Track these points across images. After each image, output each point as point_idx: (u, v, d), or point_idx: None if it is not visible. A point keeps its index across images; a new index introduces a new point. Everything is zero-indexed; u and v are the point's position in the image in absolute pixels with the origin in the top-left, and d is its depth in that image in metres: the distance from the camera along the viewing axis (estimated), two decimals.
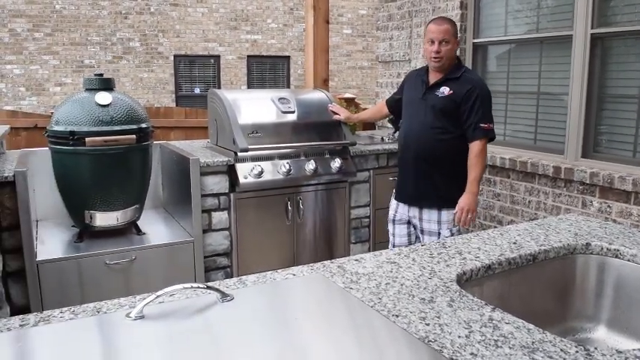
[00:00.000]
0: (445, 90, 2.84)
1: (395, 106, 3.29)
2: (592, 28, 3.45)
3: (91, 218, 2.93)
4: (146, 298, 1.05)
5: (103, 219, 2.95)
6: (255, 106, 3.55)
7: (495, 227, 3.25)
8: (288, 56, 12.54)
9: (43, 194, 3.25)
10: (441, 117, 2.84)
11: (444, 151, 2.86)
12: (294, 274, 1.38)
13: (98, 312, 1.16)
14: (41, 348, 0.95)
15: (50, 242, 3.05)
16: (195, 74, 12.12)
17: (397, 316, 1.16)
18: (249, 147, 3.29)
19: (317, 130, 3.61)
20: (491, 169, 4.18)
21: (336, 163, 3.58)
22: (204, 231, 3.24)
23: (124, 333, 0.98)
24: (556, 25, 3.79)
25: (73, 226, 3.15)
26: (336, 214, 3.71)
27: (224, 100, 3.44)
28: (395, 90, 3.54)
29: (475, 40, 4.41)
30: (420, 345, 1.02)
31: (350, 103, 4.98)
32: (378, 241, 3.96)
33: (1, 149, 3.34)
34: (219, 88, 11.68)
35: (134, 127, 2.89)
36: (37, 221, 3.24)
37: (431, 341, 1.05)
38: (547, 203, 3.74)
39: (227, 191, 3.35)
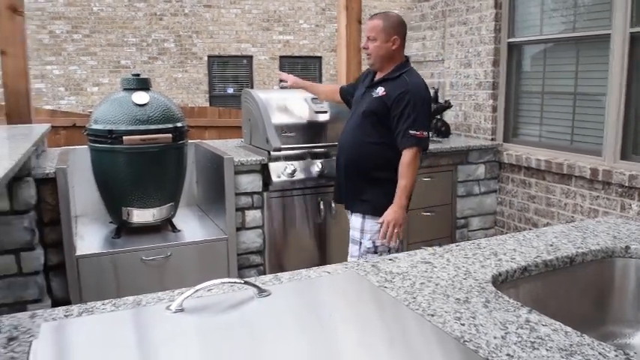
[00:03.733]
0: (380, 90, 2.65)
1: (347, 96, 3.08)
2: (631, 26, 3.37)
3: (128, 215, 3.00)
4: (186, 292, 1.07)
5: (139, 216, 3.01)
6: (288, 106, 3.58)
7: (530, 230, 3.21)
8: (320, 56, 12.57)
9: (82, 191, 3.34)
10: (370, 119, 2.66)
11: (372, 157, 2.67)
12: (328, 272, 1.39)
13: (138, 305, 1.19)
14: (86, 337, 0.99)
15: (89, 238, 3.13)
16: (229, 74, 12.26)
17: (432, 315, 1.16)
18: (282, 146, 3.32)
19: None
20: (526, 171, 4.12)
21: None
22: (238, 229, 3.28)
23: (165, 325, 1.01)
24: (593, 24, 3.71)
25: (110, 222, 3.23)
26: None
27: (258, 99, 3.48)
28: None
29: (510, 40, 4.36)
30: (456, 344, 1.02)
31: None
32: (412, 241, 3.94)
33: (43, 147, 3.44)
34: (252, 88, 11.78)
35: (170, 126, 2.95)
36: (76, 217, 3.33)
37: (466, 341, 1.04)
38: (584, 206, 3.66)
39: (260, 190, 3.38)
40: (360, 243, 2.71)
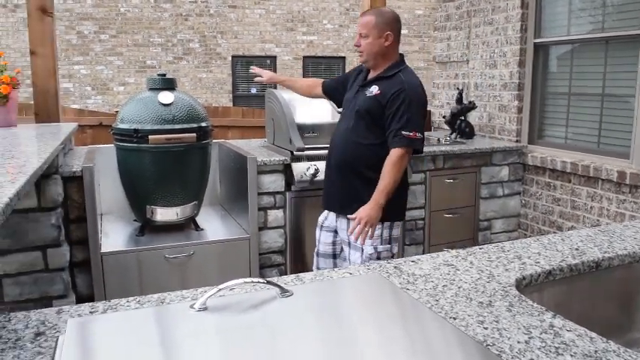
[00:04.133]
0: (374, 89, 2.54)
1: (331, 92, 2.94)
2: None
3: (152, 213, 3.03)
4: (209, 291, 1.09)
5: (163, 214, 3.05)
6: (311, 107, 3.58)
7: (555, 233, 3.16)
8: (344, 57, 12.56)
9: (107, 189, 3.39)
10: (364, 119, 2.54)
11: (367, 158, 2.55)
12: (350, 273, 1.39)
13: (162, 302, 1.21)
14: (111, 334, 1.00)
15: (113, 235, 3.18)
16: (252, 75, 12.31)
17: (454, 318, 1.15)
18: (305, 147, 3.32)
19: None
20: (551, 173, 4.07)
21: None
22: (260, 228, 3.30)
23: (188, 323, 1.03)
24: (623, 24, 3.65)
25: (134, 220, 3.28)
26: None
27: (281, 100, 3.49)
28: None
29: (536, 40, 4.30)
30: (479, 348, 1.01)
31: None
32: (434, 243, 3.92)
33: (70, 145, 3.51)
34: (276, 88, 11.82)
35: (194, 125, 2.97)
36: (101, 215, 3.38)
37: (489, 345, 1.04)
38: (610, 209, 3.60)
39: (283, 190, 3.40)
40: (362, 249, 2.57)
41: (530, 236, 4.16)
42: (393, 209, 2.52)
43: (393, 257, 2.59)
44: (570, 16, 4.06)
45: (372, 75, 2.64)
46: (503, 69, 4.50)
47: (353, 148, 2.57)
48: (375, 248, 2.55)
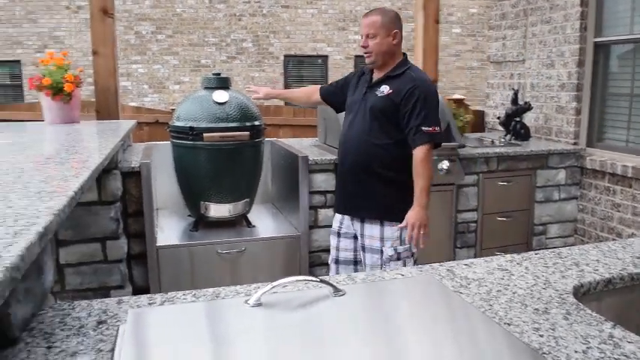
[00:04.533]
0: (385, 89, 2.53)
1: (330, 97, 2.93)
2: None
3: (205, 209, 3.11)
4: (263, 287, 1.11)
5: (216, 210, 3.11)
6: None
7: (614, 240, 3.05)
8: None
9: (163, 185, 3.49)
10: (378, 119, 2.53)
11: (384, 158, 2.55)
12: (402, 275, 1.39)
13: (217, 297, 1.24)
14: (169, 325, 1.04)
15: (168, 230, 3.27)
16: (304, 74, 12.40)
17: (509, 324, 1.13)
18: None
19: None
20: (610, 177, 3.92)
21: (444, 165, 3.52)
22: (311, 227, 3.32)
23: (243, 318, 1.05)
24: None
25: (189, 215, 3.36)
26: (442, 218, 3.65)
27: None
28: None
29: (597, 39, 4.15)
30: (535, 355, 0.99)
31: (459, 105, 4.88)
32: (486, 246, 3.85)
33: (129, 142, 3.63)
34: None
35: (248, 124, 3.03)
36: (157, 209, 3.48)
37: (545, 353, 1.01)
38: None
39: (334, 189, 3.40)
40: (382, 251, 2.59)
41: (587, 242, 4.03)
42: (409, 209, 2.53)
43: (413, 256, 2.61)
44: (633, 14, 3.89)
45: (378, 75, 2.62)
46: (561, 69, 4.37)
47: (369, 149, 2.56)
48: (395, 249, 2.56)
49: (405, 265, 2.59)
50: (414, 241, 2.49)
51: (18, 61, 11.91)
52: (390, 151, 2.54)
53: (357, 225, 2.66)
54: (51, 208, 1.17)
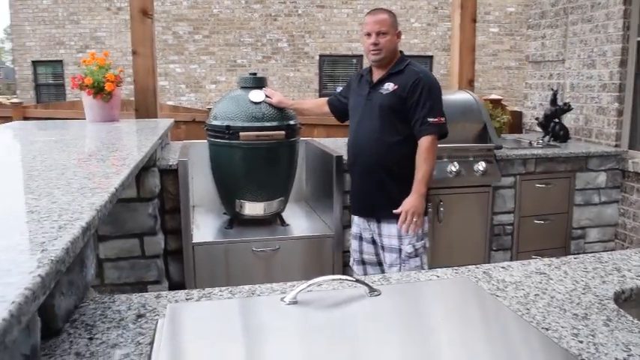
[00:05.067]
0: (389, 86, 2.60)
1: (337, 107, 3.01)
2: None
3: (240, 207, 3.14)
4: (299, 285, 1.11)
5: (251, 208, 3.14)
6: None
7: None
8: (431, 56, 12.36)
9: (199, 183, 3.55)
10: (388, 116, 2.58)
11: (397, 156, 2.60)
12: (437, 276, 1.38)
13: (252, 294, 1.25)
14: (206, 320, 1.06)
15: (204, 227, 3.32)
16: (338, 74, 12.41)
17: (547, 329, 1.11)
18: None
19: (461, 132, 3.53)
20: None
21: (480, 167, 3.48)
22: (345, 227, 3.32)
23: (280, 315, 1.06)
24: None
25: (224, 213, 3.40)
26: (478, 219, 3.60)
27: None
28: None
29: None
30: None
31: (496, 105, 4.80)
32: (522, 250, 3.78)
33: (167, 140, 3.69)
34: None
35: (283, 123, 3.04)
36: (193, 207, 3.54)
37: (584, 359, 0.99)
38: None
39: None
40: (400, 250, 2.63)
41: (629, 247, 3.91)
42: (424, 205, 2.59)
43: (426, 251, 2.67)
44: None
45: (380, 74, 2.67)
46: (603, 69, 4.26)
47: (380, 148, 2.61)
48: (414, 246, 2.61)
49: (421, 260, 2.66)
50: (405, 228, 2.52)
51: (60, 61, 12.27)
52: (402, 148, 2.59)
53: (374, 226, 2.72)
54: (93, 204, 1.21)
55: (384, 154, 2.61)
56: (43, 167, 1.70)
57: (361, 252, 2.85)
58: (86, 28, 11.91)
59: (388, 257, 2.68)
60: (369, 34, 2.60)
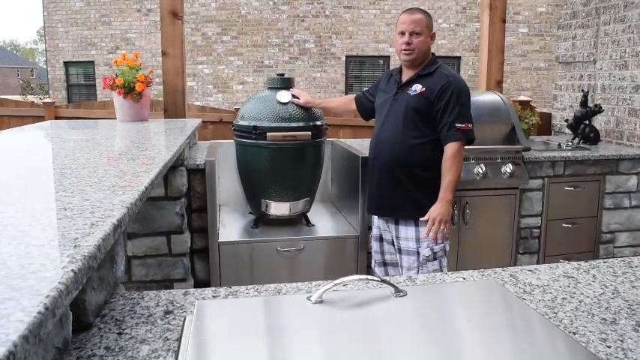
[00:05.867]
0: (417, 87, 2.55)
1: (364, 104, 2.98)
2: None
3: (266, 207, 3.16)
4: (325, 285, 1.12)
5: (276, 208, 3.16)
6: None
7: None
8: (459, 57, 12.26)
9: (225, 182, 3.58)
10: (412, 118, 2.54)
11: (419, 157, 2.56)
12: (463, 278, 1.37)
13: (278, 292, 1.26)
14: (233, 318, 1.07)
15: (230, 226, 3.35)
16: (365, 74, 12.39)
17: (574, 333, 1.10)
18: None
19: (488, 133, 3.50)
20: None
21: (508, 169, 3.43)
22: (369, 227, 3.32)
23: (306, 314, 1.07)
24: None
25: (250, 212, 3.43)
26: (504, 222, 3.56)
27: None
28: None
29: None
30: None
31: (525, 106, 4.74)
32: (549, 253, 3.72)
33: (194, 140, 3.74)
34: None
35: (310, 124, 3.06)
36: (219, 206, 3.58)
37: None
38: None
39: None
40: (418, 252, 2.60)
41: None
42: None
43: (445, 254, 2.61)
44: None
45: (409, 75, 2.64)
46: (636, 70, 4.17)
47: (403, 149, 2.59)
48: (432, 249, 2.57)
49: (440, 264, 2.62)
50: (433, 236, 2.50)
51: (92, 62, 12.52)
52: (424, 150, 2.57)
53: (392, 227, 2.70)
54: (124, 202, 1.23)
55: (405, 154, 2.59)
56: (75, 165, 1.74)
57: (382, 253, 2.84)
58: (117, 29, 12.12)
59: (405, 260, 2.66)
60: (402, 33, 2.57)
